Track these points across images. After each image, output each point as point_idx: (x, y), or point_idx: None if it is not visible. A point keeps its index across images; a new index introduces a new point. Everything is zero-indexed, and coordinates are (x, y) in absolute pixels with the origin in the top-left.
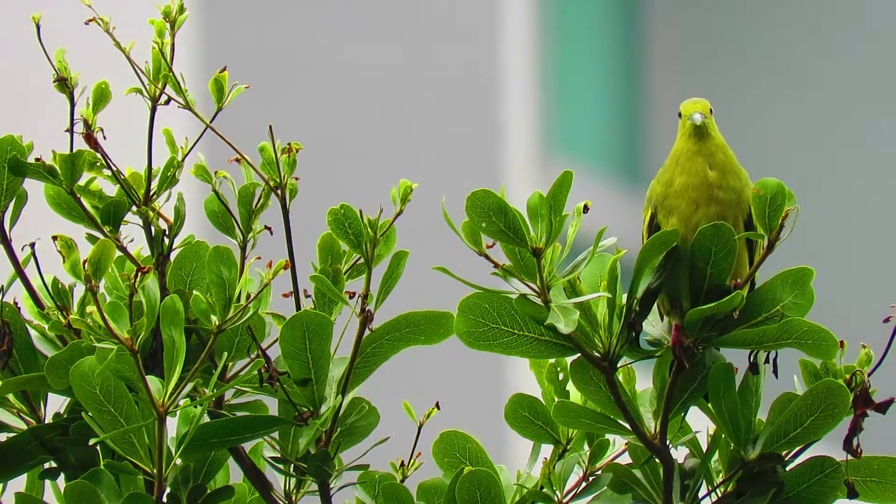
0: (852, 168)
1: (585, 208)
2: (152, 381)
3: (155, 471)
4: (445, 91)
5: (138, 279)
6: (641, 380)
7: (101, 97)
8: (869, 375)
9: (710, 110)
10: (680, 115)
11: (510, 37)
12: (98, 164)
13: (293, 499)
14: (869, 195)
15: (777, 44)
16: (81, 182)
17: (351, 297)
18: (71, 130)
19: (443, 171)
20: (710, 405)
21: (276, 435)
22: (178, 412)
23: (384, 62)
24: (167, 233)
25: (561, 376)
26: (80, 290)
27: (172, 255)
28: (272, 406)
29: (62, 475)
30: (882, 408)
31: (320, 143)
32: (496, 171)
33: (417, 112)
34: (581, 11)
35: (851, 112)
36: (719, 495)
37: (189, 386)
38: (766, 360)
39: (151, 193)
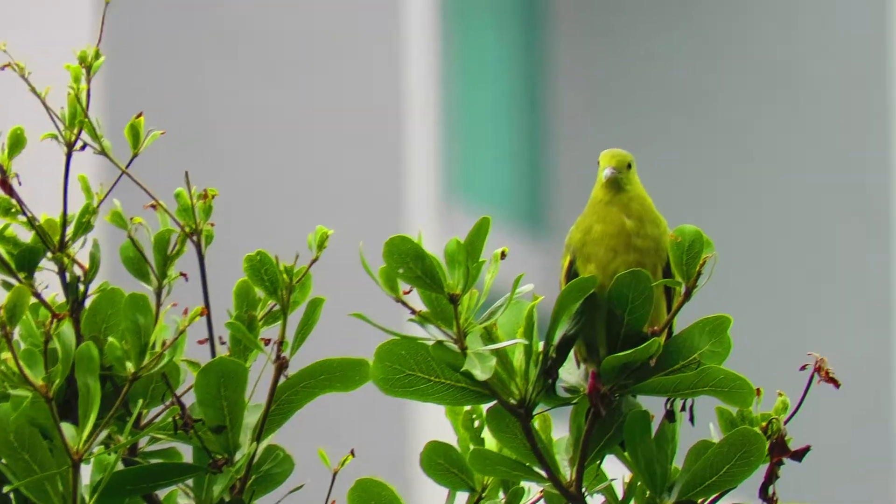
0: (770, 214)
1: (503, 255)
2: (67, 428)
3: None
4: (351, 136)
5: (53, 326)
6: (558, 427)
7: (17, 143)
8: (785, 423)
9: (629, 164)
10: (598, 164)
11: (414, 82)
12: (13, 209)
13: None
14: (786, 242)
15: (687, 89)
16: None
17: (266, 344)
18: None
19: (346, 217)
20: (626, 453)
21: (190, 482)
22: (92, 459)
23: (291, 107)
24: (82, 279)
25: (477, 423)
26: None
27: (87, 302)
28: (187, 453)
29: None
30: (798, 455)
31: (235, 188)
32: (399, 217)
33: (324, 157)
34: (485, 58)
35: (767, 156)
36: None
37: (104, 433)
38: (683, 408)
39: (66, 240)
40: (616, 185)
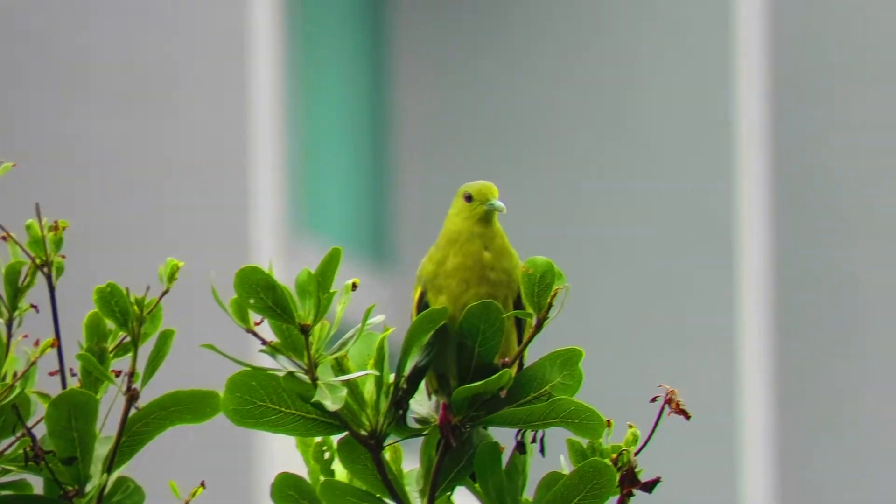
0: (619, 246)
1: (354, 286)
2: None
3: None
4: (199, 169)
5: None
6: (409, 459)
7: None
8: (635, 455)
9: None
10: (469, 197)
11: (260, 116)
12: None
13: None
14: (636, 275)
15: (530, 123)
16: None
17: (117, 376)
18: None
19: (195, 249)
20: (476, 484)
21: None
22: None
23: (141, 139)
24: None
25: (327, 455)
26: None
27: None
28: (38, 485)
29: None
30: (648, 487)
31: (86, 220)
32: (247, 249)
33: (172, 189)
34: (331, 92)
35: (612, 190)
36: None
37: None
38: (534, 440)
39: None
40: (492, 217)
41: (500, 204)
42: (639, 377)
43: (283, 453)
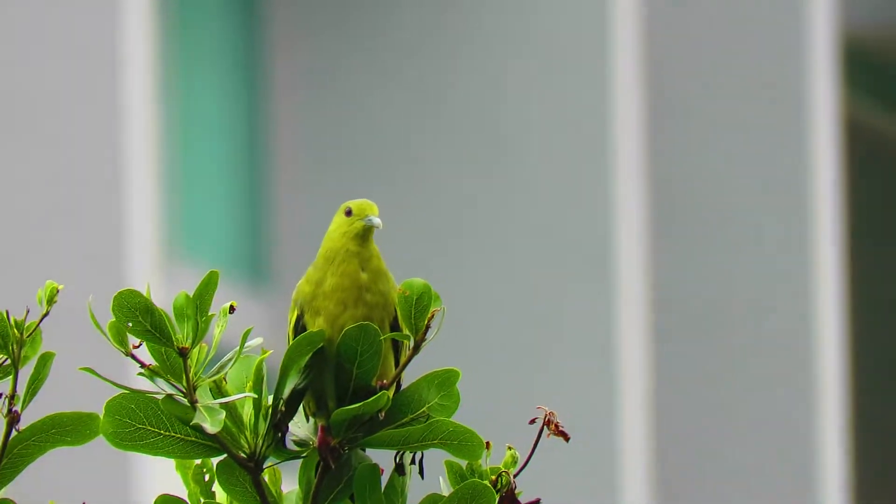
0: (497, 268)
1: (232, 309)
2: None
3: None
4: (72, 192)
5: None
6: (287, 480)
7: None
8: (515, 476)
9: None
10: (350, 212)
11: (133, 137)
12: None
13: None
14: (515, 295)
15: (409, 145)
16: None
17: None
18: None
19: (68, 271)
20: None
21: None
22: None
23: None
24: None
25: (207, 477)
26: None
27: None
28: None
29: None
30: None
31: None
32: (121, 272)
33: (47, 213)
34: (206, 113)
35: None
36: None
37: None
38: (413, 461)
39: None
40: (370, 235)
41: (377, 220)
42: (517, 397)
43: (162, 474)
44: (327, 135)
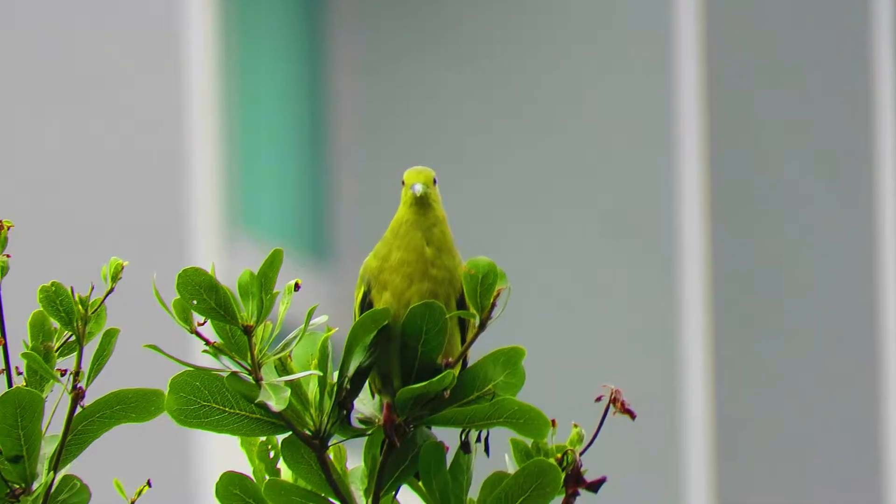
0: (559, 246)
1: (296, 287)
2: None
3: None
4: (132, 170)
5: None
6: (352, 458)
7: None
8: (580, 454)
9: (434, 180)
10: (403, 182)
11: (194, 114)
12: None
13: None
14: (577, 275)
15: (467, 119)
16: None
17: (63, 375)
18: None
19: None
20: (421, 483)
21: None
22: None
23: (81, 138)
24: None
25: (272, 454)
26: None
27: None
28: None
29: None
30: (594, 487)
31: (30, 219)
32: (183, 249)
33: (110, 189)
34: (266, 88)
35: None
36: None
37: None
38: (478, 439)
39: None
40: (424, 201)
41: (416, 188)
42: (580, 375)
43: (224, 452)
44: (388, 110)
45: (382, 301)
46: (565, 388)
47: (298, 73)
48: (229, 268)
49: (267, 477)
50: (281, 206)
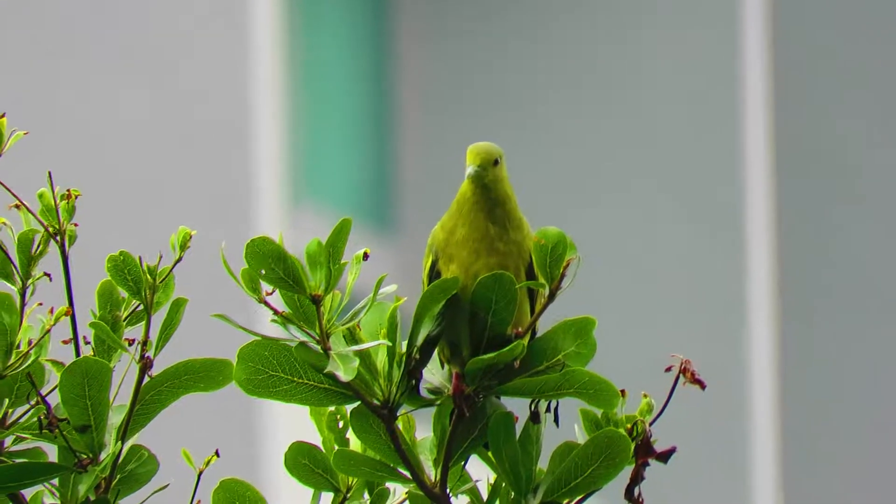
0: (628, 217)
1: (365, 256)
2: None
3: None
4: (197, 140)
5: None
6: (421, 428)
7: None
8: (650, 425)
9: (496, 160)
10: (467, 158)
11: (260, 83)
12: None
13: None
14: (646, 246)
15: (534, 89)
16: None
17: (130, 344)
18: None
19: (195, 217)
20: (490, 454)
21: (56, 481)
22: None
23: (146, 108)
24: None
25: (340, 424)
26: None
27: None
28: (52, 453)
29: None
30: (664, 457)
31: (98, 188)
32: (247, 218)
33: (175, 158)
34: (329, 60)
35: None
36: None
37: None
38: (548, 409)
39: None
40: (480, 183)
41: (470, 171)
42: (651, 346)
43: (291, 422)
44: (453, 79)
45: (450, 272)
46: (630, 358)
47: (364, 42)
48: (294, 238)
49: (336, 447)
50: (345, 176)
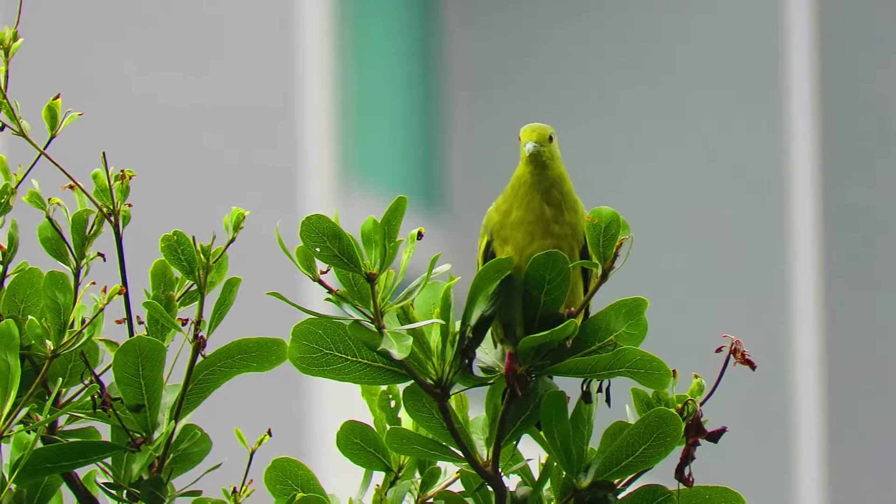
0: (683, 200)
1: (420, 235)
2: None
3: None
4: (247, 120)
5: None
6: (474, 407)
7: None
8: (701, 405)
9: (550, 137)
10: (520, 139)
11: (308, 64)
12: None
13: None
14: (700, 228)
15: (581, 68)
16: None
17: (184, 324)
18: None
19: (244, 196)
20: (542, 433)
21: (109, 461)
22: (11, 438)
23: (197, 91)
24: (1, 259)
25: (393, 403)
26: None
27: (6, 282)
28: (105, 432)
29: None
30: (714, 437)
31: (152, 169)
32: (296, 197)
33: (225, 139)
34: (377, 39)
35: (665, 134)
36: None
37: (23, 411)
38: (599, 389)
39: None
40: (538, 160)
41: (529, 146)
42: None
43: (344, 401)
44: (501, 59)
45: (504, 254)
46: (686, 337)
47: (413, 22)
48: (344, 216)
49: (388, 426)
50: (395, 155)
